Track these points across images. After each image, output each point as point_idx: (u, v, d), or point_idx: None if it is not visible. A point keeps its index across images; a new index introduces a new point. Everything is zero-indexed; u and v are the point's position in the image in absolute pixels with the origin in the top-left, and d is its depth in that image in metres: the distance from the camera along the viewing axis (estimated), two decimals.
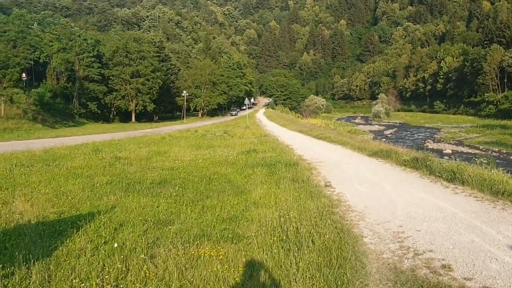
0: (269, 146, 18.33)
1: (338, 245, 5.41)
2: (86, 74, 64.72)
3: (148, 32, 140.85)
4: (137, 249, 5.16)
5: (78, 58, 63.54)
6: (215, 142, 20.91)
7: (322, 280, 4.38)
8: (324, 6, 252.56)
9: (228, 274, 4.48)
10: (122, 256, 4.87)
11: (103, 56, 70.11)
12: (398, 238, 6.03)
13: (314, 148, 19.93)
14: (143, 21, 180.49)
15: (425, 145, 43.16)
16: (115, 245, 5.24)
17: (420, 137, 56.07)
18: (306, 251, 5.11)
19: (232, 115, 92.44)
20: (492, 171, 9.93)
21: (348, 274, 4.55)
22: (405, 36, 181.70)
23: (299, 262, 4.80)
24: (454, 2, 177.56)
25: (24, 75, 54.34)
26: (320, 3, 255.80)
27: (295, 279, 4.43)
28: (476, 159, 11.79)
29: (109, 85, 68.35)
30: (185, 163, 13.27)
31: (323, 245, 5.37)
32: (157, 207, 7.41)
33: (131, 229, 6.00)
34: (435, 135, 56.85)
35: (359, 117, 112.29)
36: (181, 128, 41.54)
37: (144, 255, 4.91)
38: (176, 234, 5.82)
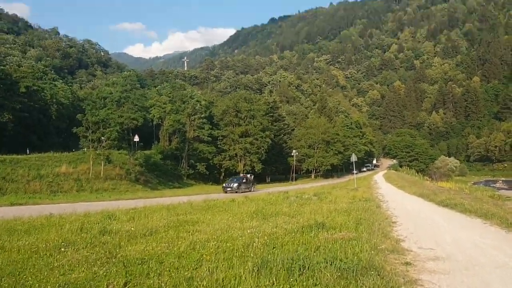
0: (355, 217, 11.63)
1: None
2: (196, 135, 64.32)
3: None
4: None
5: (189, 119, 63.72)
6: (287, 209, 14.96)
7: None
8: (454, 64, 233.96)
9: None
10: None
11: (214, 117, 69.96)
12: None
13: (434, 222, 12.50)
14: (265, 86, 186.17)
15: None
16: None
17: None
18: None
19: (226, 191, 39.30)
20: None
21: None
22: None
23: None
24: None
25: (136, 137, 55.15)
26: (449, 60, 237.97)
27: None
28: None
29: (219, 146, 67.12)
30: (183, 247, 7.67)
31: None
32: None
33: None
34: None
35: (500, 181, 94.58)
36: (280, 190, 35.98)
37: None
38: None
